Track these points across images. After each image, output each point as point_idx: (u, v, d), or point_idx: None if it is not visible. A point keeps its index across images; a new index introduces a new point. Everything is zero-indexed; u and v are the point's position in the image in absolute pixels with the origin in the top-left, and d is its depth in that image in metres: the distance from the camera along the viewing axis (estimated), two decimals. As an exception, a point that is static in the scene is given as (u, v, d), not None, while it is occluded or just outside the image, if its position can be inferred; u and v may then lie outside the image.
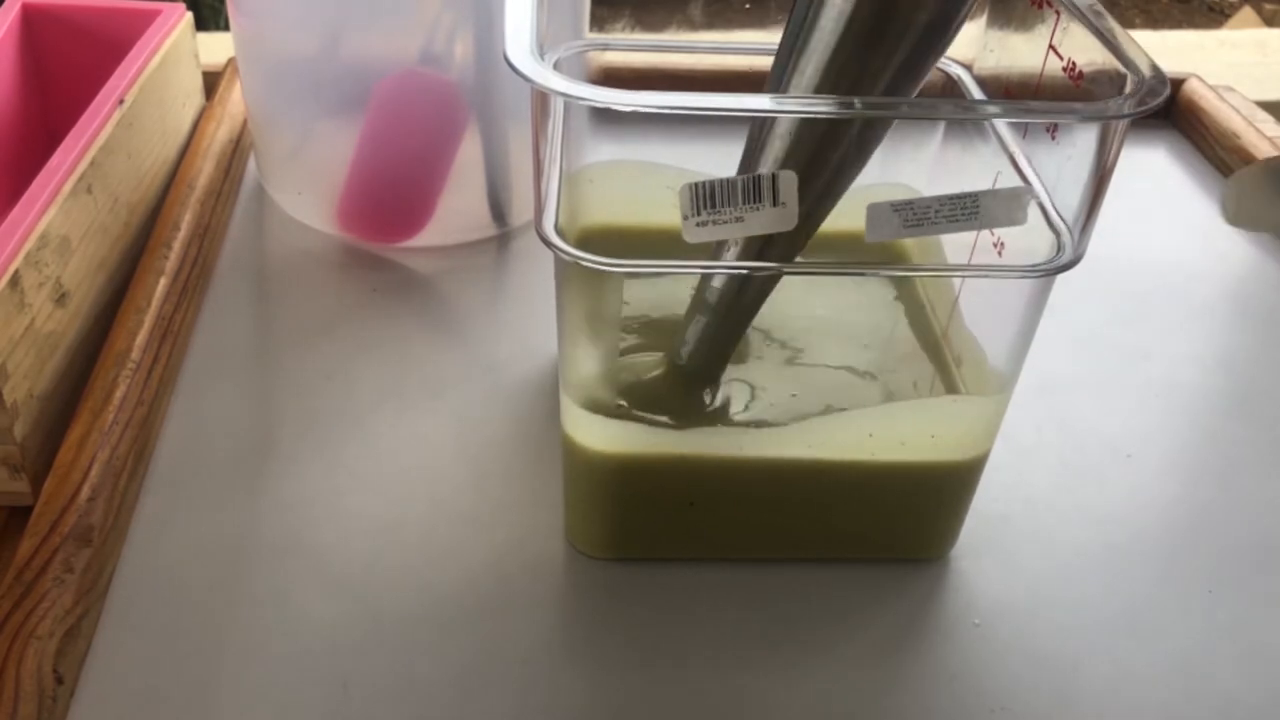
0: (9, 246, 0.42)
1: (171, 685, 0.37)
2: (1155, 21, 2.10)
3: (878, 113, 0.36)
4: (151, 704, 0.37)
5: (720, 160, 0.37)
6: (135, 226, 0.54)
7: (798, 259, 0.39)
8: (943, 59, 0.41)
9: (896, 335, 0.46)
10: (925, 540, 0.43)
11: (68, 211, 0.46)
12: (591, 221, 0.47)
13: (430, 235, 0.57)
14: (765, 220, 0.33)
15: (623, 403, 0.40)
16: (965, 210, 0.34)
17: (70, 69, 0.59)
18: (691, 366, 0.42)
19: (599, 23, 0.45)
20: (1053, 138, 0.36)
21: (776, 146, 0.36)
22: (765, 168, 0.36)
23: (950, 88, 0.44)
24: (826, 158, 0.36)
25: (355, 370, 0.50)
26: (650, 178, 0.46)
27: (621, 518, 0.41)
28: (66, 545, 0.39)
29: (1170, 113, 0.73)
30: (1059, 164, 0.36)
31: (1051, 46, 0.38)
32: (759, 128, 0.36)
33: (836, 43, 0.34)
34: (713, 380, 0.43)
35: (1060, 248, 0.36)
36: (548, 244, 0.35)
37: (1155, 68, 0.33)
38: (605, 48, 0.44)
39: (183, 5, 0.60)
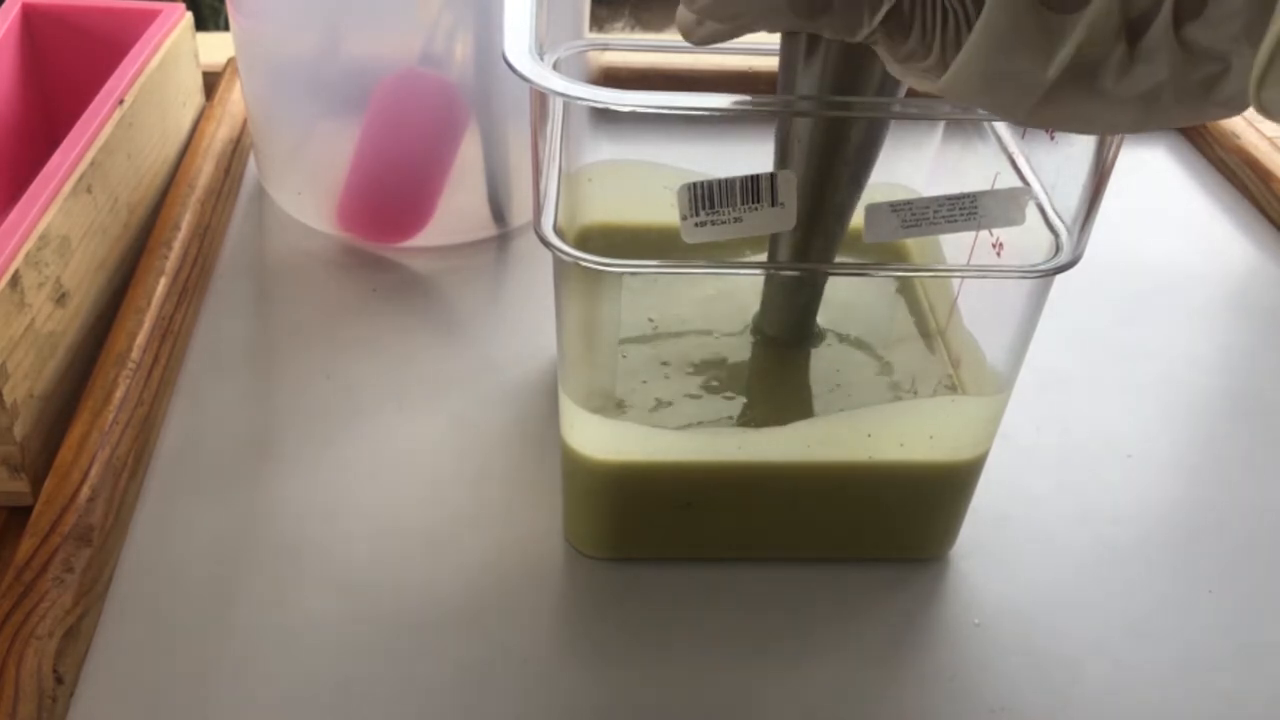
0: (9, 246, 0.42)
1: (171, 685, 0.37)
2: (1156, 21, 2.09)
3: (876, 113, 0.36)
4: (151, 704, 0.37)
5: (719, 160, 0.37)
6: (135, 226, 0.54)
7: (795, 260, 0.39)
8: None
9: (895, 335, 0.46)
10: (925, 540, 0.43)
11: (68, 211, 0.46)
12: (591, 221, 0.47)
13: (430, 235, 0.57)
14: (764, 220, 0.33)
15: (715, 381, 0.41)
16: (964, 210, 0.34)
17: (70, 69, 0.59)
18: (777, 335, 0.43)
19: (599, 23, 0.45)
20: (1051, 138, 0.36)
21: (795, 146, 0.36)
22: (792, 164, 0.36)
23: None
24: (841, 154, 0.36)
25: (355, 370, 0.50)
26: (649, 178, 0.46)
27: (620, 518, 0.41)
28: (66, 545, 0.39)
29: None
30: (1058, 164, 0.36)
31: (1051, 46, 0.37)
32: (782, 128, 0.37)
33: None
34: (800, 345, 0.43)
35: (1059, 248, 0.36)
36: (546, 244, 0.35)
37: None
38: (605, 48, 0.44)
39: (183, 5, 0.60)
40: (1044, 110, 0.27)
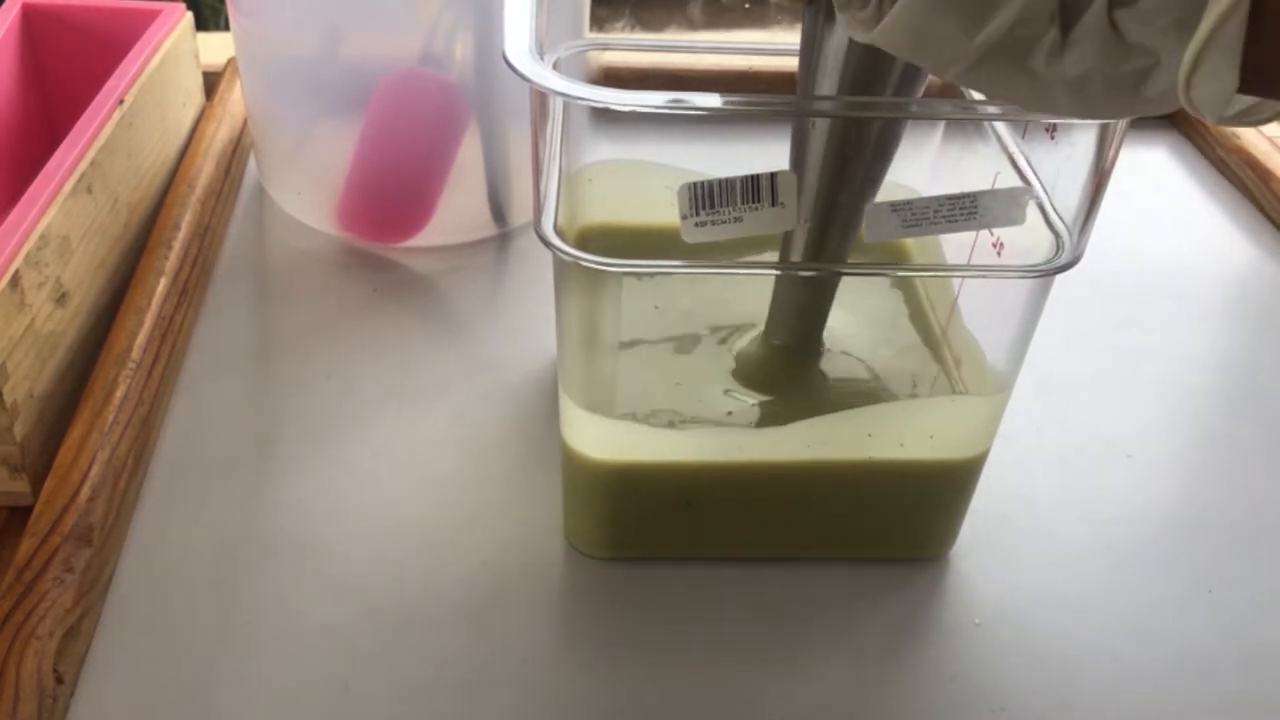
0: (9, 246, 0.42)
1: (171, 685, 0.37)
2: (1156, 21, 2.09)
3: (876, 113, 0.36)
4: (151, 704, 0.37)
5: (720, 160, 0.37)
6: (135, 226, 0.54)
7: (795, 260, 0.39)
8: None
9: (895, 335, 0.46)
10: (925, 540, 0.43)
11: (68, 211, 0.46)
12: (591, 221, 0.47)
13: (430, 235, 0.57)
14: (764, 220, 0.33)
15: (729, 387, 0.42)
16: (964, 210, 0.34)
17: (70, 69, 0.59)
18: (789, 343, 0.43)
19: (599, 23, 0.45)
20: (1052, 138, 0.36)
21: (812, 144, 0.36)
22: (809, 162, 0.36)
23: (950, 88, 0.44)
24: (858, 150, 0.36)
25: (355, 370, 0.50)
26: (650, 178, 0.46)
27: (620, 518, 0.41)
28: (66, 545, 0.39)
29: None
30: (1058, 164, 0.36)
31: (1051, 46, 0.37)
32: (797, 130, 0.37)
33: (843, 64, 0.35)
34: (812, 354, 0.43)
35: (1059, 248, 0.36)
36: (547, 244, 0.35)
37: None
38: (605, 48, 0.44)
39: (183, 5, 0.60)
40: (974, 77, 0.28)
